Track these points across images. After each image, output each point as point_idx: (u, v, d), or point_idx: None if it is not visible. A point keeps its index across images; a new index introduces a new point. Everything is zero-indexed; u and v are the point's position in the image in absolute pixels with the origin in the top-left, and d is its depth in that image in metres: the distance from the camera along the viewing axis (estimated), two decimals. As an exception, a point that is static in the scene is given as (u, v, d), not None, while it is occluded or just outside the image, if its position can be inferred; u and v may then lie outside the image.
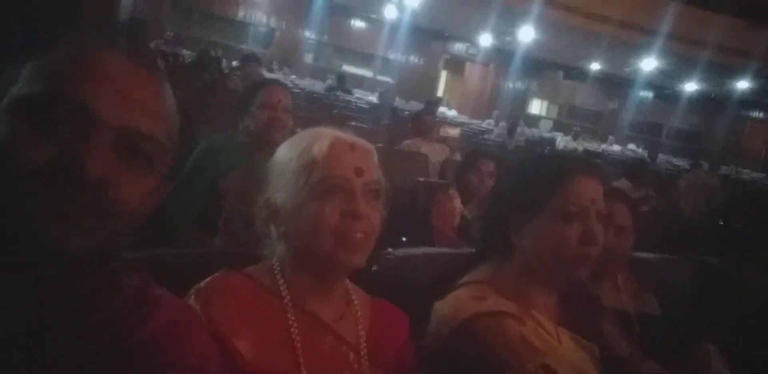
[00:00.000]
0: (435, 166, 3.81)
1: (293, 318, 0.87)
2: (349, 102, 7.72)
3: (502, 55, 14.96)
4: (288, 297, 0.89)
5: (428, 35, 14.80)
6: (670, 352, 1.35)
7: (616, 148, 11.98)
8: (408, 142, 4.25)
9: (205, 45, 8.91)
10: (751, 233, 2.16)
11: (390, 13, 13.33)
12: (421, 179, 2.74)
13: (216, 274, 0.88)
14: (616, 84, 16.04)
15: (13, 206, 0.52)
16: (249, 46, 11.49)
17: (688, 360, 1.31)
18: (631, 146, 13.09)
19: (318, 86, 10.03)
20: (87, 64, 0.58)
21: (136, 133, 0.59)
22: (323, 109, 5.84)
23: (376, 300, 1.02)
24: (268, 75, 7.52)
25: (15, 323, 0.56)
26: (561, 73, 16.23)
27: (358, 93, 10.17)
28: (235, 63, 8.04)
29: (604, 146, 11.67)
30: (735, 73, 12.25)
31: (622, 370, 1.12)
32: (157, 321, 0.63)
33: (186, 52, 9.17)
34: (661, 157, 11.56)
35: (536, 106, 17.20)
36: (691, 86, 14.98)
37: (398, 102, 10.37)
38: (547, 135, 11.69)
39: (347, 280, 0.99)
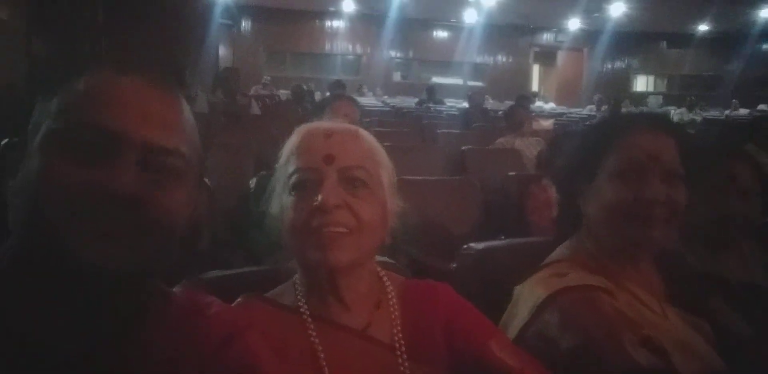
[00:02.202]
0: (531, 160, 3.69)
1: (314, 333, 0.81)
2: (439, 111, 7.74)
3: (593, 36, 14.27)
4: (306, 312, 0.83)
5: (513, 31, 14.52)
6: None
7: (743, 111, 10.81)
8: (501, 140, 4.17)
9: (299, 82, 9.47)
10: None
11: (470, 16, 13.25)
12: (512, 173, 2.67)
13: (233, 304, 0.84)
14: (731, 41, 14.51)
15: (56, 232, 0.55)
16: (339, 76, 11.98)
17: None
18: (762, 107, 11.71)
19: (408, 102, 10.16)
20: (104, 90, 0.61)
21: (160, 149, 0.61)
22: (413, 122, 5.90)
23: (409, 283, 0.94)
24: (358, 98, 7.75)
25: (71, 339, 0.59)
26: (664, 43, 15.10)
27: (450, 101, 10.15)
28: (328, 94, 8.42)
29: (727, 112, 10.58)
30: None
31: (741, 351, 1.01)
32: (209, 327, 0.66)
33: (283, 92, 9.75)
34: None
35: (642, 83, 16.07)
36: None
37: (492, 104, 10.20)
38: (658, 111, 10.85)
39: (381, 273, 0.91)
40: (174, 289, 0.71)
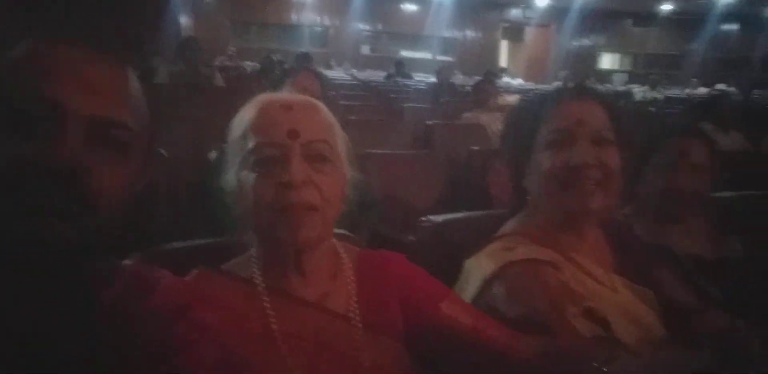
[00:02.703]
0: (496, 135, 3.72)
1: (269, 305, 0.81)
2: (407, 86, 7.69)
3: (561, 13, 14.28)
4: (262, 284, 0.83)
5: (482, 5, 14.42)
6: (759, 300, 1.25)
7: (703, 90, 11.07)
8: (467, 114, 4.18)
9: (265, 53, 9.23)
10: None
11: (439, -11, 13.10)
12: (475, 148, 2.69)
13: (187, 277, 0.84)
14: (693, 22, 14.73)
15: None
16: (306, 48, 11.74)
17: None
18: (720, 86, 12.01)
19: (377, 76, 10.06)
20: (47, 59, 0.59)
21: (106, 121, 0.59)
22: (379, 96, 5.86)
23: (363, 254, 0.94)
24: (326, 72, 7.65)
25: (20, 317, 0.57)
26: (629, 21, 15.23)
27: (418, 76, 10.09)
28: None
29: (688, 91, 10.82)
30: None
31: (685, 320, 1.05)
32: (159, 300, 0.65)
33: (249, 64, 9.51)
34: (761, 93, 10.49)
35: (607, 61, 16.26)
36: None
37: (461, 79, 10.18)
38: (621, 89, 10.99)
39: (337, 245, 0.92)
40: (125, 262, 0.70)
